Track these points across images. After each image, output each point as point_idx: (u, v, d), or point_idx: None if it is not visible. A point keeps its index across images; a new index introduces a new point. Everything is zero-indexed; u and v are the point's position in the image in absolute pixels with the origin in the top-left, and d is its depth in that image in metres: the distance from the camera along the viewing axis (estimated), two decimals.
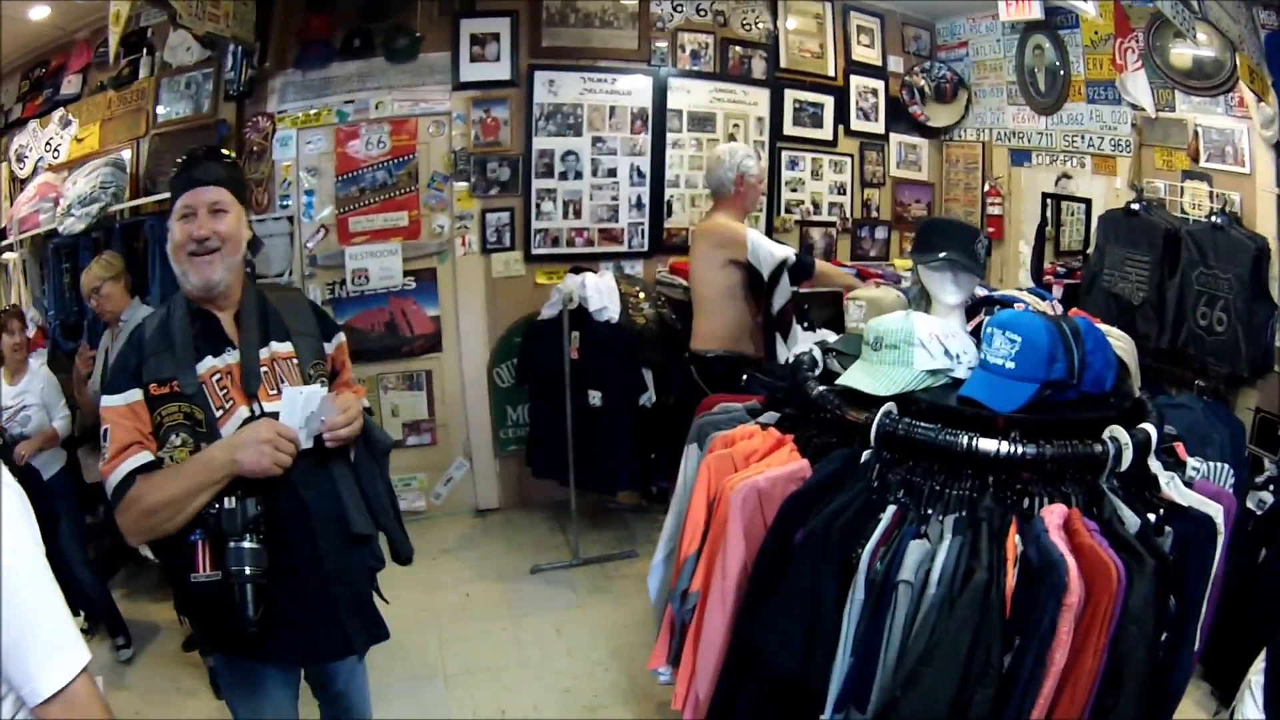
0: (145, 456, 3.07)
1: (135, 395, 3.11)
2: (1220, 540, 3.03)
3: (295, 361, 3.43)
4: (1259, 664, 2.98)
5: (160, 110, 7.06)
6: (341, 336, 3.78)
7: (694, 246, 6.56)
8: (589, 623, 6.33)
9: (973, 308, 3.94)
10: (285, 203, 7.12)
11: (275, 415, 3.18)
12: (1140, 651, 2.67)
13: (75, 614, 5.40)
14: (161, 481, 3.03)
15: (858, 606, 2.95)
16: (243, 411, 3.21)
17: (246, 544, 3.03)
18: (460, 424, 7.92)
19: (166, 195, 4.71)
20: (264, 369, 3.32)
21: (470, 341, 7.78)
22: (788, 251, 6.05)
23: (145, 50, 7.17)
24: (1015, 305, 3.78)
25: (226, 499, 3.04)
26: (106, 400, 3.13)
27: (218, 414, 3.18)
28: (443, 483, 7.85)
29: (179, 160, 3.41)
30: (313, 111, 7.13)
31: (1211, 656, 4.98)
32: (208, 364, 3.23)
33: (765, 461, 3.47)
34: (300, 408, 3.18)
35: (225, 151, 3.71)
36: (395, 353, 7.60)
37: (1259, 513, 5.19)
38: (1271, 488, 5.22)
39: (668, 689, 3.82)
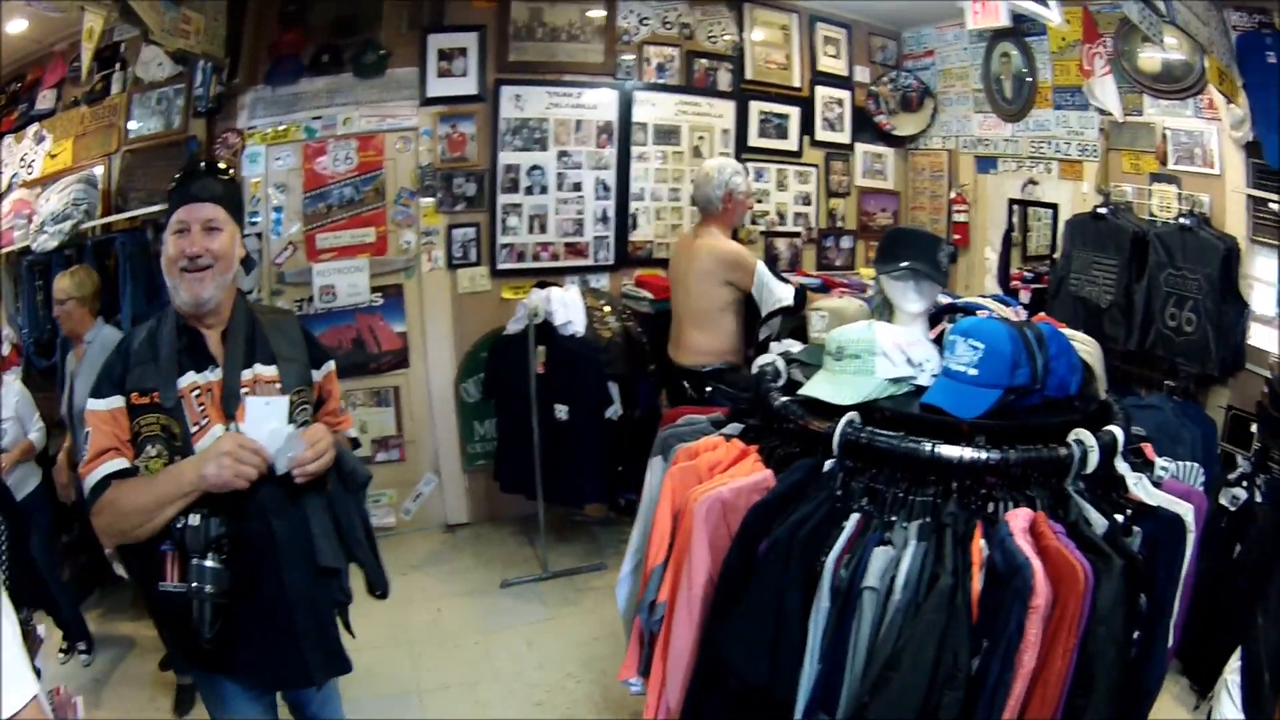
0: (121, 463, 3.14)
1: (118, 402, 3.18)
2: (1191, 538, 3.05)
3: (278, 386, 3.44)
4: (1234, 663, 3.00)
5: (132, 126, 7.04)
6: (331, 365, 3.79)
7: (690, 258, 6.47)
8: (560, 635, 6.34)
9: (936, 316, 3.96)
10: (254, 219, 7.08)
11: None
12: (1110, 651, 2.69)
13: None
14: (134, 490, 3.09)
15: (823, 614, 2.95)
16: (218, 430, 3.24)
17: (208, 563, 3.06)
18: (428, 439, 7.89)
19: (138, 212, 4.77)
20: (245, 390, 3.34)
21: (437, 357, 7.76)
22: (789, 294, 6.08)
23: (118, 65, 7.14)
24: (978, 312, 3.84)
25: (192, 515, 3.07)
26: (91, 404, 3.19)
27: (193, 430, 3.22)
28: (412, 498, 7.81)
29: (178, 173, 3.45)
30: (281, 127, 7.10)
31: (1189, 652, 5.03)
32: (189, 379, 3.27)
33: (729, 473, 3.46)
34: (267, 418, 3.19)
35: (224, 167, 3.69)
36: (363, 369, 7.54)
37: (1233, 509, 5.21)
38: (1244, 484, 5.22)
39: (640, 699, 3.81)
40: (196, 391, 3.26)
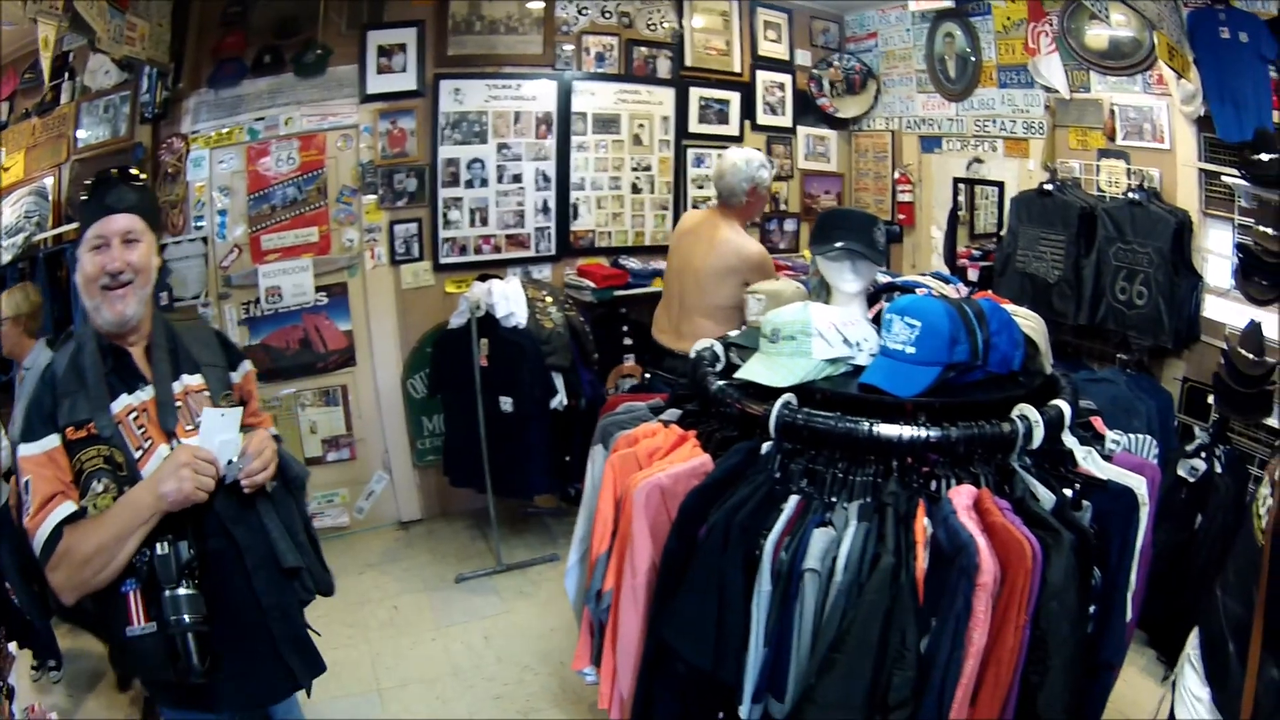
0: (70, 507, 2.90)
1: (53, 441, 2.95)
2: (1144, 511, 3.04)
3: (207, 394, 3.33)
4: (1194, 639, 3.01)
5: (81, 135, 6.96)
6: (248, 365, 3.68)
7: (709, 249, 6.28)
8: (516, 628, 6.35)
9: (875, 295, 3.94)
10: (199, 223, 7.03)
11: None
12: (1064, 626, 2.68)
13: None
14: (89, 531, 2.88)
15: (765, 597, 2.93)
16: (163, 450, 3.09)
17: (182, 591, 2.93)
18: (378, 437, 7.84)
19: None
20: (178, 403, 3.23)
21: (383, 354, 7.72)
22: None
23: (67, 75, 7.10)
24: (917, 290, 3.78)
25: (158, 544, 2.93)
26: (24, 450, 2.95)
27: (137, 455, 3.06)
28: (364, 497, 7.79)
29: (89, 183, 3.24)
30: (225, 130, 7.04)
31: (1155, 624, 5.06)
32: (123, 402, 3.10)
33: (668, 459, 3.43)
34: (221, 429, 3.08)
35: (136, 173, 3.56)
36: (310, 369, 7.48)
37: (1192, 480, 5.26)
38: (1203, 455, 5.27)
39: (597, 689, 3.76)
40: (133, 414, 3.11)
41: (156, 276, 3.32)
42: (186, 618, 2.91)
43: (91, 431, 2.98)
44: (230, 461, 3.06)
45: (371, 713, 5.46)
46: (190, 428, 3.17)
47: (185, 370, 3.31)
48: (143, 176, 3.69)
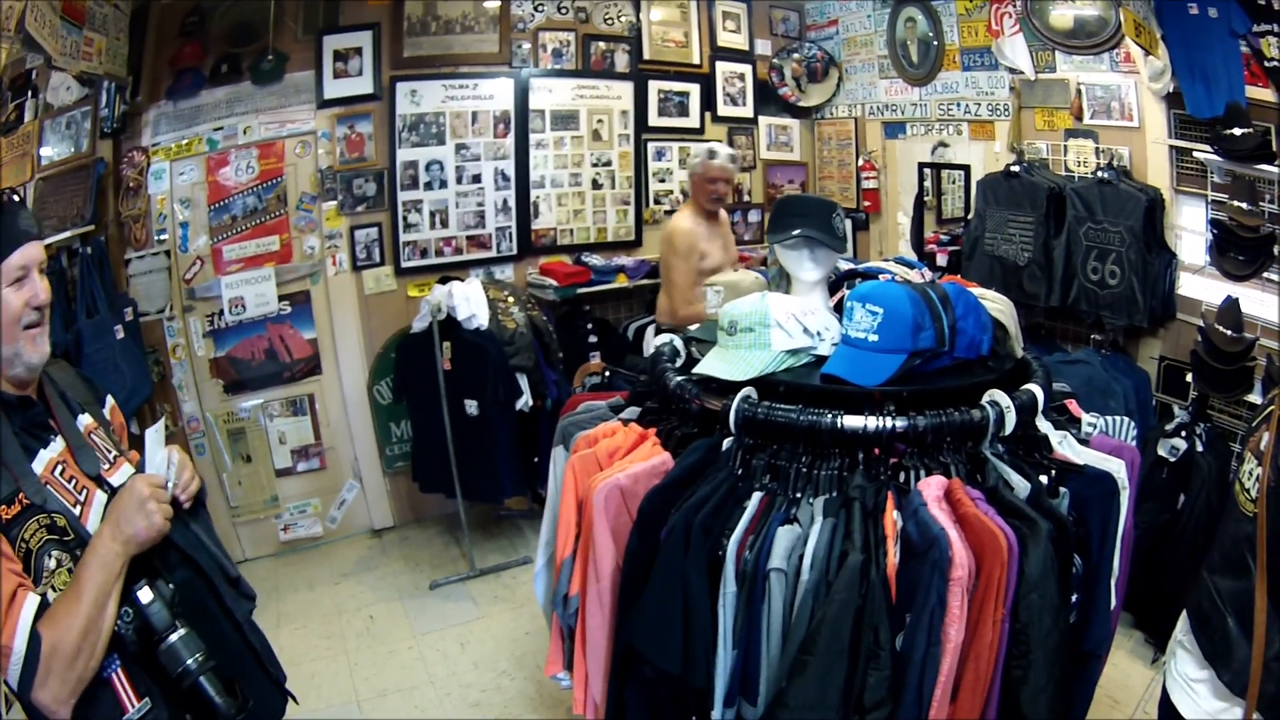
0: (35, 600, 2.38)
1: None
2: (1124, 495, 2.99)
3: (101, 432, 2.91)
4: (1184, 622, 2.97)
5: (44, 152, 6.82)
6: (111, 399, 3.14)
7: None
8: (491, 634, 6.38)
9: (837, 283, 3.90)
10: (162, 236, 7.03)
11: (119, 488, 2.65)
12: (1045, 618, 2.62)
13: None
14: (67, 615, 2.38)
15: (730, 599, 2.86)
16: (100, 497, 2.67)
17: (177, 635, 2.55)
18: (347, 445, 7.85)
19: (51, 240, 4.14)
20: (88, 445, 2.79)
21: (348, 361, 7.74)
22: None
23: (30, 93, 7.07)
24: (880, 277, 3.73)
25: (140, 593, 2.53)
26: None
27: (77, 512, 2.59)
28: (336, 506, 7.80)
29: None
30: (184, 142, 7.04)
31: (1142, 606, 5.04)
32: (43, 459, 2.61)
33: (629, 458, 3.37)
34: (158, 446, 2.75)
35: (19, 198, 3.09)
36: (277, 379, 7.49)
37: (1173, 460, 5.26)
38: (1183, 434, 5.27)
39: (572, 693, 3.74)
40: (58, 468, 2.64)
41: None
42: (193, 661, 2.55)
43: (24, 502, 2.48)
44: (166, 481, 2.71)
45: None
46: (106, 466, 2.78)
47: (75, 410, 2.86)
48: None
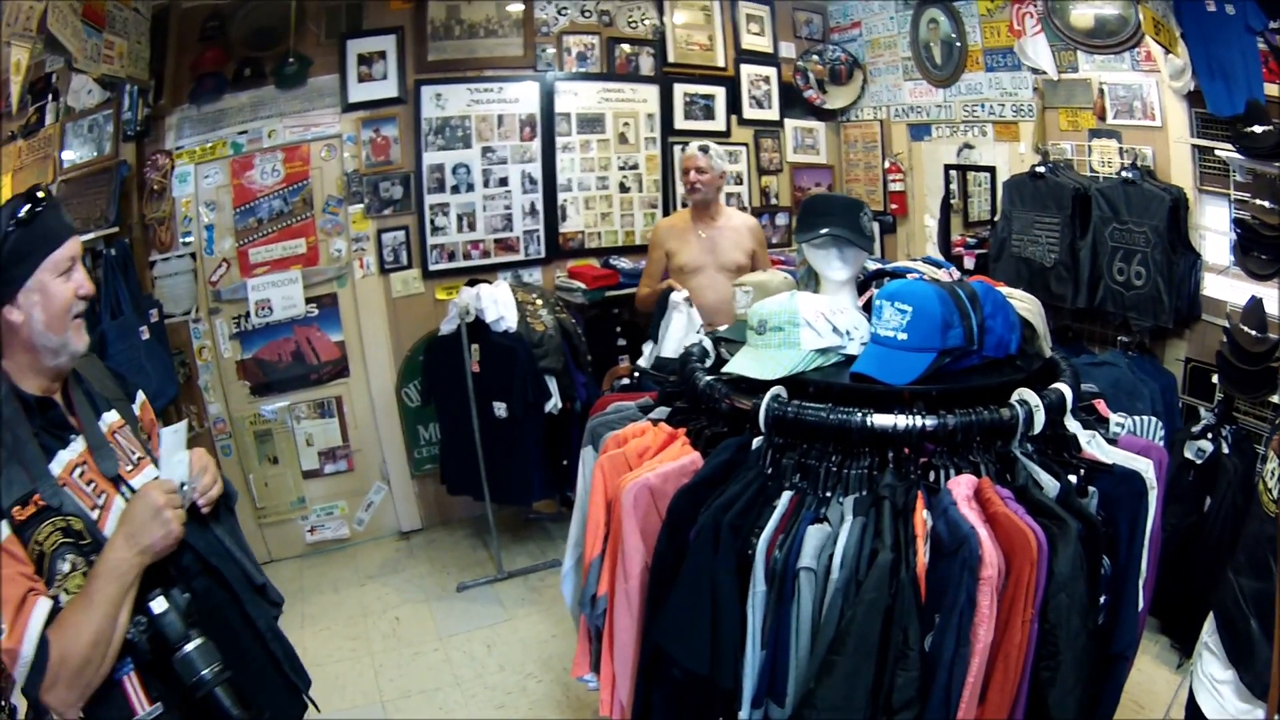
0: (47, 605, 2.38)
1: (1, 532, 2.36)
2: (1153, 495, 2.94)
3: (128, 430, 2.91)
4: (1210, 624, 2.96)
5: (66, 156, 6.82)
6: (142, 395, 3.17)
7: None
8: (518, 636, 6.34)
9: (865, 283, 3.85)
10: (187, 239, 7.05)
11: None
12: (1074, 619, 2.57)
13: None
14: (77, 621, 2.39)
15: (760, 599, 2.83)
16: (119, 502, 2.65)
17: (192, 645, 2.56)
18: (375, 448, 7.87)
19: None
20: (110, 445, 2.78)
21: (376, 364, 7.75)
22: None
23: (51, 96, 7.07)
24: (908, 276, 3.68)
25: (151, 603, 2.53)
26: None
27: (94, 515, 2.58)
28: (363, 508, 7.80)
29: (30, 204, 2.61)
30: (208, 145, 7.06)
31: (1167, 610, 5.00)
32: (62, 460, 2.60)
33: (658, 458, 3.35)
34: (175, 447, 2.75)
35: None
36: (304, 381, 7.52)
37: (1199, 462, 5.20)
38: (1209, 436, 5.22)
39: (599, 695, 3.68)
40: (77, 470, 2.62)
41: None
42: (207, 672, 2.56)
43: (40, 504, 2.46)
44: (183, 485, 2.73)
45: None
46: (130, 467, 2.78)
47: (102, 408, 2.86)
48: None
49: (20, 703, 3.37)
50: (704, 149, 6.47)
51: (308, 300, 7.35)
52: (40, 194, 2.66)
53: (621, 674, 3.37)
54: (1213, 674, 2.93)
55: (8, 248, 2.54)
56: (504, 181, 7.87)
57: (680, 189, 7.92)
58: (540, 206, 8.03)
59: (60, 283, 2.62)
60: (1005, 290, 3.48)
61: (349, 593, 6.93)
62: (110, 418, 2.83)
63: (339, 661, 5.86)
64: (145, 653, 2.52)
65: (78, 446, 2.65)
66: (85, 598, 2.40)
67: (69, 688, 2.38)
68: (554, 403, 6.86)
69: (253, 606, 2.95)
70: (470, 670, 5.93)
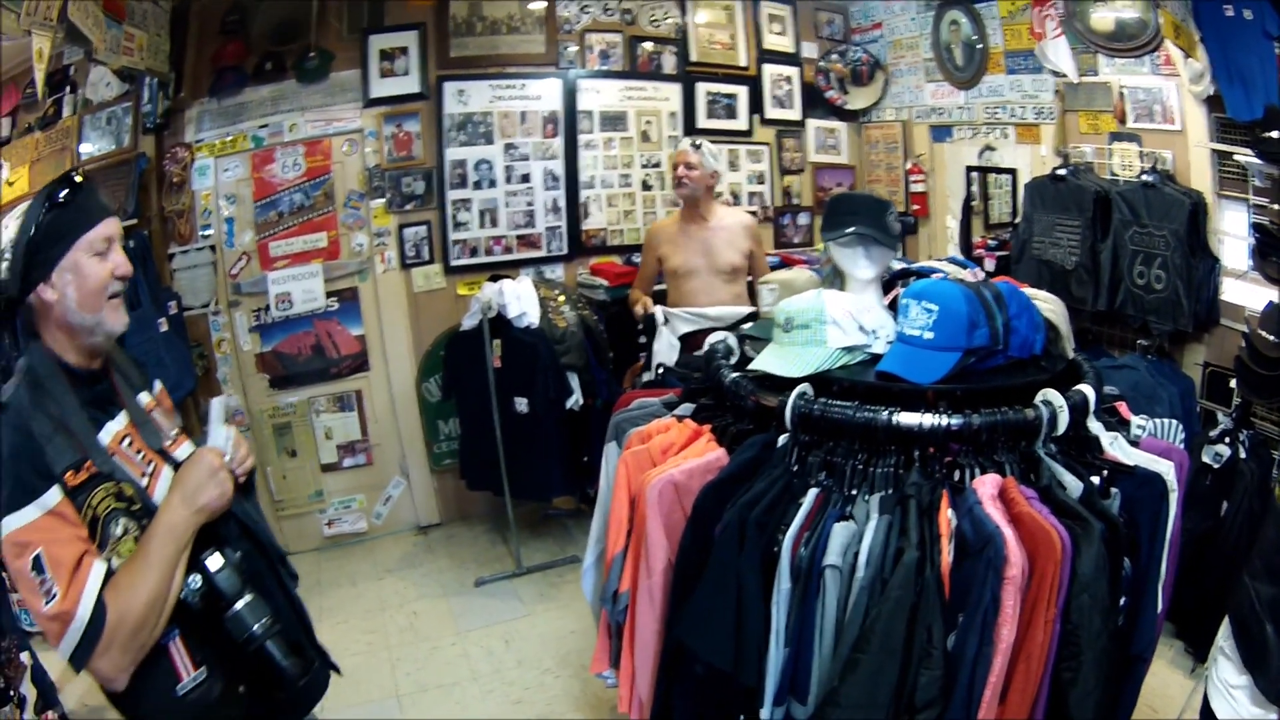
0: (103, 567, 2.44)
1: (55, 496, 2.41)
2: (1174, 498, 2.94)
3: (159, 410, 3.01)
4: (1226, 628, 2.96)
5: (84, 148, 6.94)
6: (159, 383, 3.18)
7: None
8: (536, 632, 6.33)
9: (890, 282, 3.85)
10: (206, 232, 7.07)
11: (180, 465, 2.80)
12: (1096, 619, 2.58)
13: None
14: (134, 583, 2.45)
15: (784, 595, 2.84)
16: (167, 471, 2.77)
17: (244, 601, 2.66)
18: (394, 442, 7.89)
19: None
20: (150, 421, 2.91)
21: (397, 358, 7.78)
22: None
23: (69, 88, 7.09)
24: (933, 275, 3.69)
25: (208, 560, 2.63)
26: (20, 519, 2.38)
27: (144, 481, 2.69)
28: (382, 502, 7.82)
29: (61, 192, 2.72)
30: (228, 138, 7.08)
31: (1182, 615, 4.99)
32: (110, 431, 2.69)
33: (683, 454, 3.37)
34: (220, 418, 2.92)
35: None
36: (324, 375, 7.53)
37: (1216, 467, 5.17)
38: (1227, 441, 5.19)
39: (617, 692, 3.70)
40: (125, 440, 2.73)
41: None
42: (259, 626, 2.66)
43: (92, 470, 2.52)
44: (224, 455, 2.84)
45: (389, 719, 5.44)
46: (168, 442, 2.92)
47: (139, 388, 2.96)
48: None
49: (29, 692, 3.45)
50: (696, 145, 6.45)
51: (328, 294, 7.38)
52: (77, 178, 2.76)
53: (642, 670, 3.39)
54: (1227, 679, 2.93)
55: (43, 229, 2.66)
56: (526, 178, 7.90)
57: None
58: (563, 203, 8.04)
59: (95, 262, 2.69)
60: (1029, 291, 3.49)
61: (366, 586, 6.94)
62: (145, 398, 2.93)
63: (355, 655, 5.87)
64: (197, 610, 2.60)
65: (123, 419, 2.76)
66: (141, 558, 2.49)
67: (124, 651, 2.43)
68: (575, 399, 6.86)
69: (284, 573, 3.07)
70: (488, 666, 5.93)
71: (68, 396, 2.60)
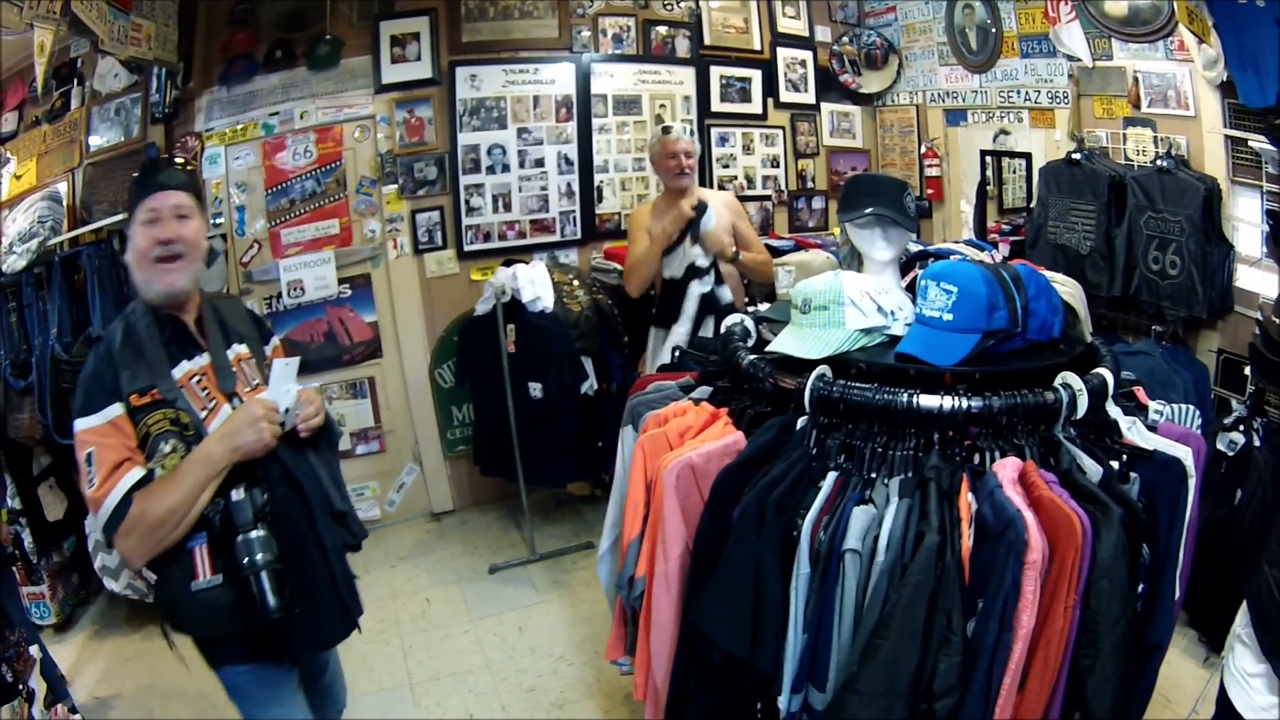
0: (139, 473, 3.02)
1: (116, 410, 3.06)
2: (1192, 483, 2.94)
3: (254, 362, 3.53)
4: (1243, 616, 2.94)
5: (93, 140, 7.00)
6: (277, 339, 3.86)
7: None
8: (550, 619, 6.33)
9: (908, 264, 3.86)
10: (218, 220, 7.07)
11: None
12: (1114, 606, 2.58)
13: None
14: (163, 492, 3.00)
15: (803, 580, 2.84)
16: (226, 409, 3.26)
17: (255, 534, 3.08)
18: (407, 429, 7.90)
19: (103, 223, 5.05)
20: (233, 369, 3.39)
21: (410, 344, 7.76)
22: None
23: (76, 81, 7.11)
24: (951, 257, 3.68)
25: (233, 491, 3.11)
26: (85, 423, 3.04)
27: (202, 414, 3.20)
28: (395, 489, 7.82)
29: (139, 170, 3.41)
30: (239, 126, 7.09)
31: (1196, 604, 4.96)
32: (183, 368, 3.25)
33: (700, 437, 3.37)
34: (286, 378, 3.30)
35: (183, 161, 3.66)
36: (336, 362, 7.51)
37: (1231, 454, 5.15)
38: (1241, 428, 5.17)
39: (632, 679, 3.73)
40: (195, 378, 3.27)
41: (205, 256, 3.45)
42: (260, 558, 3.06)
43: (156, 397, 3.11)
44: (287, 410, 3.28)
45: (403, 707, 5.43)
46: (249, 389, 3.41)
47: (234, 340, 3.49)
48: (190, 165, 3.95)
49: (39, 686, 3.65)
50: (684, 130, 6.43)
51: (341, 281, 7.39)
52: (148, 161, 3.38)
53: (658, 657, 3.39)
54: (1244, 667, 2.92)
55: (130, 198, 3.27)
56: (540, 162, 7.89)
57: (718, 171, 8.24)
58: (576, 188, 8.03)
59: (142, 230, 3.22)
60: (1047, 274, 3.48)
61: (379, 574, 6.92)
62: (239, 349, 3.50)
63: (368, 643, 5.83)
64: (217, 530, 3.09)
65: (201, 361, 3.32)
66: (175, 475, 3.03)
67: (140, 541, 3.01)
68: (590, 384, 6.87)
69: (324, 526, 3.35)
70: (501, 653, 5.92)
71: (153, 335, 3.20)
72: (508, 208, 7.82)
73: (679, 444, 3.38)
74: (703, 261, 6.01)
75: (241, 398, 3.32)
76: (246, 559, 3.04)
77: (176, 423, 3.11)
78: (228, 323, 3.52)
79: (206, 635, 3.34)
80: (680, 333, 6.00)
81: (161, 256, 3.22)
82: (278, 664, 3.42)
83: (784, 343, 3.38)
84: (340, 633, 3.57)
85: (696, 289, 6.06)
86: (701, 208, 6.05)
